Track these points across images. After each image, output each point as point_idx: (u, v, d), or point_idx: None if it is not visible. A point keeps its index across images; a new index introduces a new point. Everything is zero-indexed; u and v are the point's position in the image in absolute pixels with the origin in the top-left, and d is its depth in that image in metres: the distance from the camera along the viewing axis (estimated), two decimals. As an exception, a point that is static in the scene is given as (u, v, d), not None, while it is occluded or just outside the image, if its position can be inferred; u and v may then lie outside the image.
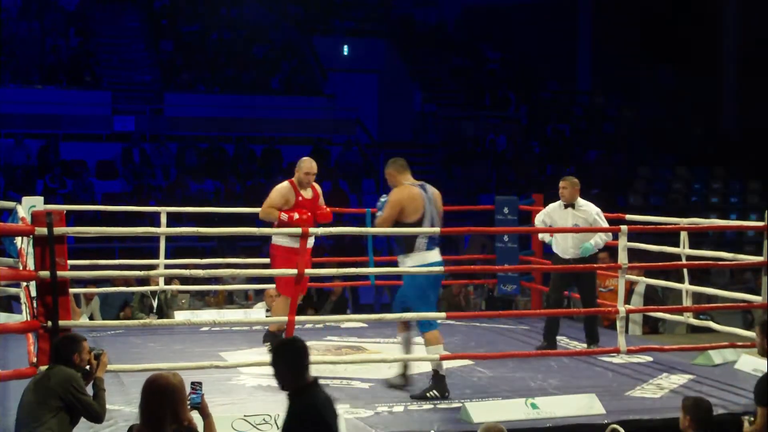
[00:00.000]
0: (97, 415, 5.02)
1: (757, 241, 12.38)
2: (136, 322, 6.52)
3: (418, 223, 6.73)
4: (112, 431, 5.72)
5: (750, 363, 7.42)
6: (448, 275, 8.16)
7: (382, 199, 6.89)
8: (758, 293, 8.30)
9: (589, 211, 8.40)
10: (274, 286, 9.45)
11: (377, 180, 18.28)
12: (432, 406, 6.42)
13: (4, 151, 16.79)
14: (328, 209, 7.89)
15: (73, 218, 12.92)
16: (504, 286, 10.16)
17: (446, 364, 7.54)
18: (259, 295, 10.45)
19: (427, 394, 6.63)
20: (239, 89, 19.39)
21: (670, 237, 9.83)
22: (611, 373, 7.57)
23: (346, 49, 22.33)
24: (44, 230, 5.80)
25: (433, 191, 6.92)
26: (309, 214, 7.62)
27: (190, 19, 21.04)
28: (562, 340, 8.86)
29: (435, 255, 6.82)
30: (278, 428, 5.64)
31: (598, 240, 8.27)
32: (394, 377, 6.95)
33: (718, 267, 11.57)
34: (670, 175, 19.74)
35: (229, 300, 11.06)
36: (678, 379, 7.30)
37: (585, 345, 8.41)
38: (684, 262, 8.46)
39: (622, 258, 7.26)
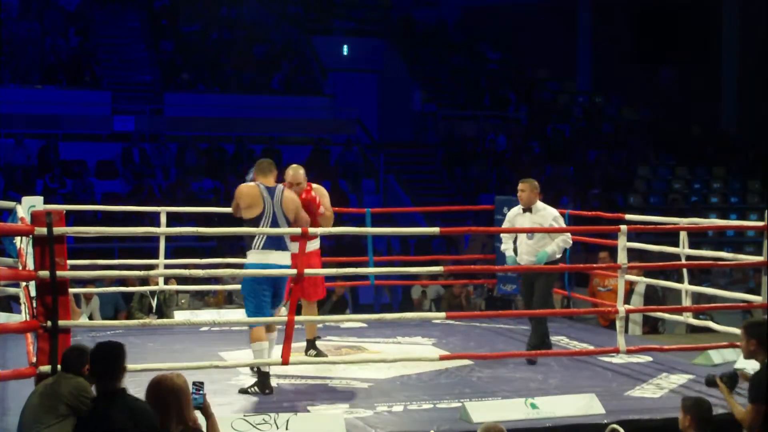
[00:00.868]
0: None
1: (757, 241, 12.38)
2: (136, 322, 6.51)
3: (255, 221, 6.79)
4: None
5: (749, 363, 7.41)
6: (448, 275, 8.15)
7: None
8: (758, 293, 8.30)
9: (546, 215, 7.92)
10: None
11: (377, 180, 18.29)
12: (432, 406, 6.42)
13: (4, 151, 16.79)
14: (324, 211, 7.53)
15: (73, 218, 12.92)
16: (503, 286, 10.17)
17: (446, 364, 7.57)
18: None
19: (249, 390, 6.74)
20: (239, 89, 19.40)
21: (670, 237, 9.83)
22: (611, 373, 7.57)
23: (346, 49, 22.34)
24: (44, 230, 5.80)
25: (286, 194, 6.88)
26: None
27: (190, 19, 21.04)
28: (561, 340, 8.87)
29: (271, 256, 6.76)
30: (278, 428, 5.65)
31: (555, 248, 7.81)
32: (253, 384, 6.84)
33: (718, 267, 11.56)
34: (670, 175, 19.75)
35: (228, 300, 11.06)
36: (678, 379, 7.30)
37: (585, 345, 8.41)
38: (684, 262, 8.45)
39: (622, 258, 7.25)
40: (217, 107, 18.65)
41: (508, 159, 19.53)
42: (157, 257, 9.08)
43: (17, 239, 6.60)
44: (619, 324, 7.25)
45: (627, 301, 9.25)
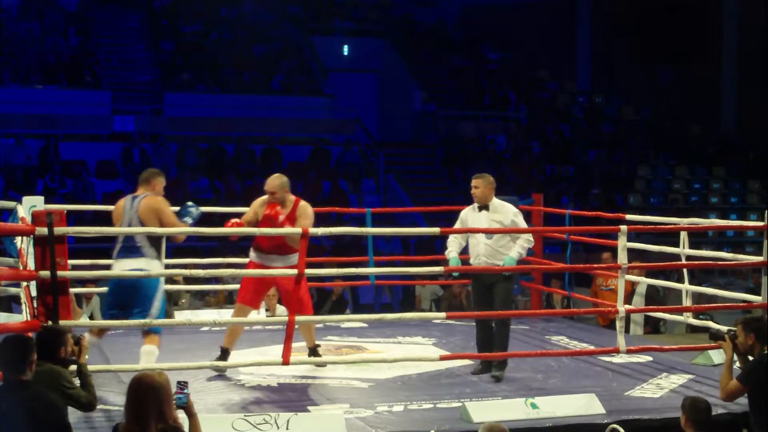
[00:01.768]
0: (89, 404, 4.98)
1: (757, 241, 12.39)
2: (136, 322, 6.51)
3: None
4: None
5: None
6: (447, 275, 8.15)
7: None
8: (758, 293, 8.31)
9: (506, 212, 7.37)
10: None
11: (377, 180, 18.30)
12: (432, 405, 6.42)
13: (4, 151, 16.80)
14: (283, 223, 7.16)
15: (73, 218, 12.92)
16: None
17: (447, 364, 7.57)
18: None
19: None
20: (239, 89, 19.40)
21: (670, 237, 9.83)
22: (611, 373, 7.57)
23: (346, 49, 22.35)
24: (44, 230, 5.81)
25: (144, 202, 6.69)
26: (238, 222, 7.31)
27: (190, 19, 21.05)
28: (561, 340, 8.88)
29: (120, 264, 6.67)
30: (279, 428, 5.65)
31: (519, 250, 7.29)
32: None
33: (718, 267, 11.57)
34: (670, 175, 19.76)
35: (229, 300, 11.05)
36: (678, 379, 7.30)
37: (585, 345, 8.41)
38: (684, 262, 8.45)
39: (622, 258, 7.25)
40: (217, 107, 18.65)
41: (508, 159, 19.53)
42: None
43: (18, 239, 6.61)
44: (619, 324, 7.25)
45: (629, 301, 9.26)
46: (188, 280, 9.47)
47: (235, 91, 19.29)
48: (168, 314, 9.76)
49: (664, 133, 21.29)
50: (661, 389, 6.97)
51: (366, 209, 10.26)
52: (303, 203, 7.36)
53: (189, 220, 6.89)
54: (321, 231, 7.16)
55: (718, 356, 7.83)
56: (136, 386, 4.32)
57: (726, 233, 16.98)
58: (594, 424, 6.01)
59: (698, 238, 13.37)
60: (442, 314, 7.25)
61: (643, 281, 9.37)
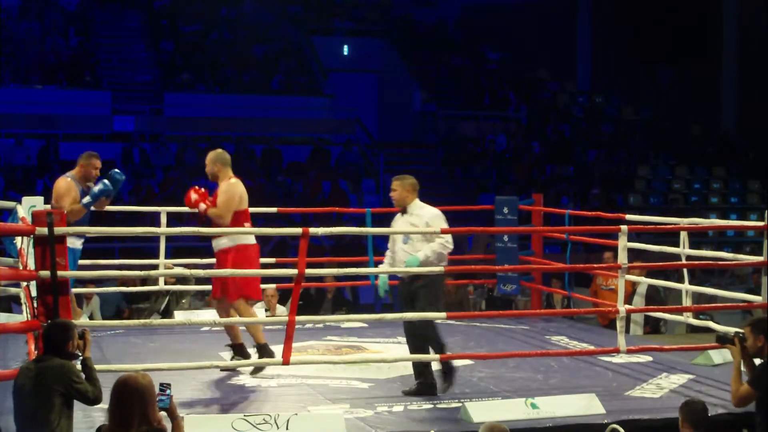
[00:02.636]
0: (95, 398, 4.96)
1: (757, 241, 12.38)
2: (136, 321, 6.52)
3: None
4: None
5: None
6: (448, 275, 8.13)
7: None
8: (758, 293, 8.30)
9: (422, 216, 6.89)
10: (274, 285, 9.48)
11: (377, 180, 18.30)
12: (432, 405, 6.42)
13: (4, 151, 16.80)
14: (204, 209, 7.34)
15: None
16: (504, 286, 10.17)
17: (446, 364, 7.56)
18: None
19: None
20: (239, 89, 19.41)
21: (670, 237, 9.82)
22: (611, 373, 7.57)
23: (346, 49, 22.35)
24: (44, 230, 5.80)
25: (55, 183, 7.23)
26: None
27: (190, 19, 21.05)
28: (561, 340, 8.87)
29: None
30: (278, 428, 5.65)
31: (429, 252, 6.78)
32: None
33: (718, 267, 11.57)
34: (670, 175, 19.76)
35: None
36: (678, 379, 7.30)
37: (585, 345, 8.40)
38: (684, 262, 8.45)
39: (622, 258, 7.25)
40: (217, 107, 18.66)
41: (508, 159, 19.53)
42: (157, 257, 9.09)
43: (18, 239, 6.61)
44: (619, 324, 7.25)
45: (629, 301, 9.25)
46: (187, 280, 9.46)
47: (235, 91, 19.29)
48: (168, 314, 9.83)
49: (664, 133, 21.29)
50: (661, 389, 6.97)
51: (366, 209, 10.26)
52: (228, 182, 7.32)
53: (96, 189, 7.29)
54: (321, 231, 7.16)
55: (718, 356, 7.83)
56: (119, 388, 4.34)
57: (726, 233, 16.98)
58: (594, 424, 6.01)
59: (698, 238, 13.37)
60: (443, 314, 7.24)
61: (644, 281, 9.36)
